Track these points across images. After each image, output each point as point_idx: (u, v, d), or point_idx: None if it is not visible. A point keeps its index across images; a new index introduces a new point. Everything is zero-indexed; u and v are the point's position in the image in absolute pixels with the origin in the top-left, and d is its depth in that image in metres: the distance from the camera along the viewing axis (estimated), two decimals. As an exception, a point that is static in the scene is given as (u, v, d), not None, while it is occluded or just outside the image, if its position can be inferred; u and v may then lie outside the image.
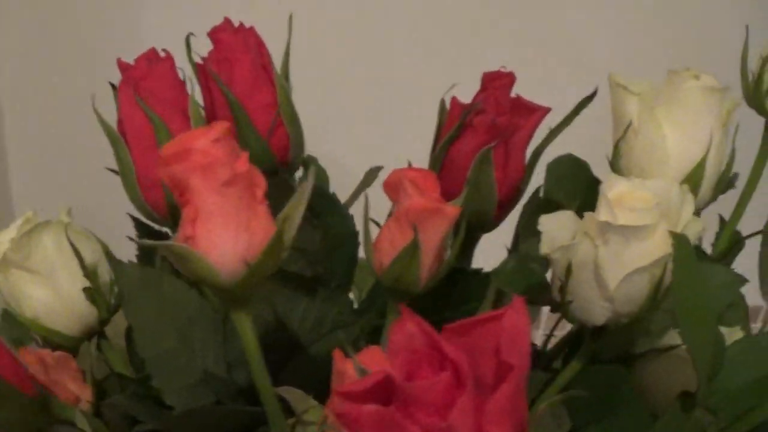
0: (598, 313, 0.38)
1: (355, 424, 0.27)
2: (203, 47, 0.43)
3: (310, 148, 0.61)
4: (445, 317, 0.47)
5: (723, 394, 0.39)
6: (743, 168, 0.49)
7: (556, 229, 0.38)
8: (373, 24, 0.74)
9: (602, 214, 0.37)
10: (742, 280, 0.43)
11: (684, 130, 0.39)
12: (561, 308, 0.39)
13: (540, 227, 0.37)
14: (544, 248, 0.37)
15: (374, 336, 0.46)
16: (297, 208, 0.32)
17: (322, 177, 0.56)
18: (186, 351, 0.40)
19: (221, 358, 0.41)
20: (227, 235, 0.30)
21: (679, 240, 0.34)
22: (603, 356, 0.43)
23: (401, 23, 0.74)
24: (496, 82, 0.38)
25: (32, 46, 0.73)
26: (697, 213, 0.42)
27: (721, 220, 0.49)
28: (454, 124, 0.38)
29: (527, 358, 0.28)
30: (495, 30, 0.75)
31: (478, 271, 0.43)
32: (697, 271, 0.35)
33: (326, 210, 0.46)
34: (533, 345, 0.45)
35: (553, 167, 0.50)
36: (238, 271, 0.30)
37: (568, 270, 0.37)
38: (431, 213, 0.35)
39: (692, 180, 0.39)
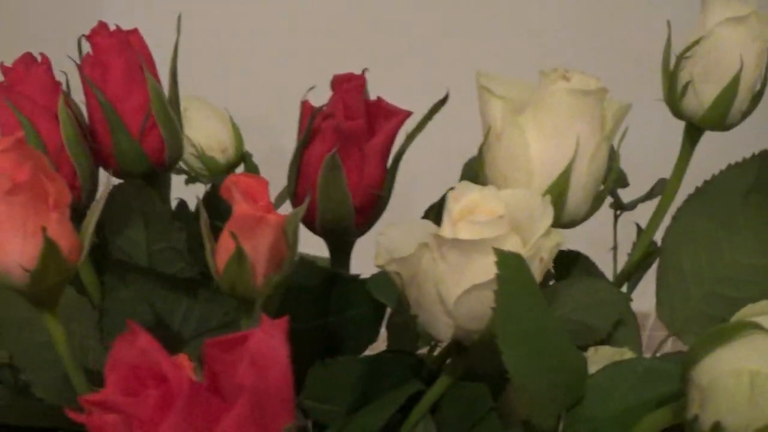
0: (443, 329, 0.36)
1: (98, 431, 0.27)
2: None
3: (266, 143, 0.61)
4: (329, 322, 0.46)
5: (588, 423, 0.37)
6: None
7: (399, 239, 0.36)
8: (338, 23, 0.73)
9: (442, 226, 0.35)
10: (627, 298, 0.40)
11: (550, 136, 0.36)
12: (409, 322, 0.37)
13: (379, 237, 0.36)
14: (378, 260, 0.35)
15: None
16: (92, 215, 0.32)
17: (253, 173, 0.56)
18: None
19: (100, 353, 0.42)
20: (15, 242, 0.30)
21: (503, 257, 0.32)
22: (479, 371, 0.41)
23: (367, 23, 0.73)
24: (346, 85, 0.37)
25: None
26: (571, 226, 0.39)
27: (639, 229, 0.46)
28: (305, 129, 0.37)
29: (275, 380, 0.27)
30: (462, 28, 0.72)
31: (354, 278, 0.42)
32: (528, 292, 0.33)
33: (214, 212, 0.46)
34: (415, 355, 0.43)
35: (468, 168, 0.48)
36: (24, 277, 0.30)
37: (403, 284, 0.35)
38: (255, 221, 0.34)
39: (556, 191, 0.37)
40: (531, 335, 0.33)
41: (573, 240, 0.47)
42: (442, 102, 0.38)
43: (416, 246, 0.35)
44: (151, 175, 0.42)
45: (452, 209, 0.36)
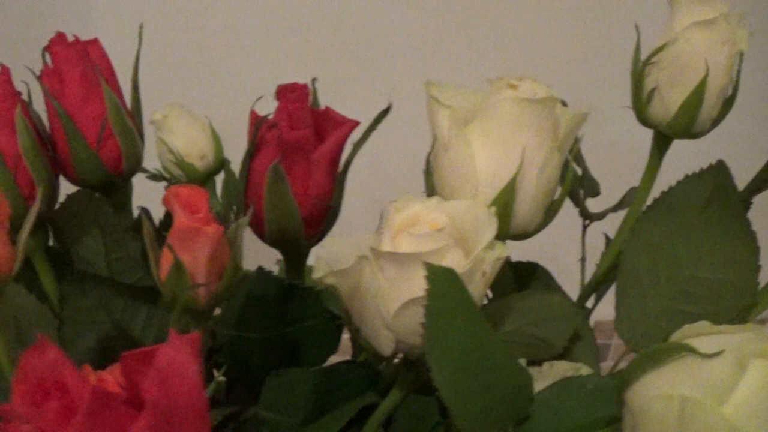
0: (384, 342, 0.35)
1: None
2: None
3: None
4: (287, 333, 0.46)
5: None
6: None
7: (340, 251, 0.36)
8: (319, 31, 0.73)
9: (382, 239, 0.35)
10: (581, 313, 0.39)
11: (496, 147, 0.36)
12: (353, 335, 0.37)
13: (319, 250, 0.35)
14: (316, 273, 0.35)
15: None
16: (26, 225, 0.32)
17: (233, 182, 0.56)
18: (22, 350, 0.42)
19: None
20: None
21: (433, 272, 0.32)
22: (431, 384, 0.40)
23: (352, 31, 0.73)
24: (289, 95, 0.37)
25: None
26: (523, 237, 0.38)
27: (607, 239, 0.44)
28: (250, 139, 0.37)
29: (183, 395, 0.27)
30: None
31: (310, 289, 0.41)
32: (460, 308, 0.32)
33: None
34: (371, 367, 0.43)
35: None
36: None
37: (342, 297, 0.35)
38: (193, 233, 0.34)
39: (501, 202, 0.36)
40: (463, 352, 0.32)
41: (542, 250, 0.46)
42: (386, 112, 0.38)
43: (355, 258, 0.35)
44: (110, 184, 0.42)
45: (393, 221, 0.35)
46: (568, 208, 0.48)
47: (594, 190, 0.46)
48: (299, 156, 0.37)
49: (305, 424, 0.42)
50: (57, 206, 0.42)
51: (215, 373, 0.47)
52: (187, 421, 0.27)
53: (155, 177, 0.57)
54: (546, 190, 0.37)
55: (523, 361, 0.39)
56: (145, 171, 0.53)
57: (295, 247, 0.40)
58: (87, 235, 0.42)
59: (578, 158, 0.47)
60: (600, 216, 0.46)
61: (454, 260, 0.34)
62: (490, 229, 0.34)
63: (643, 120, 0.42)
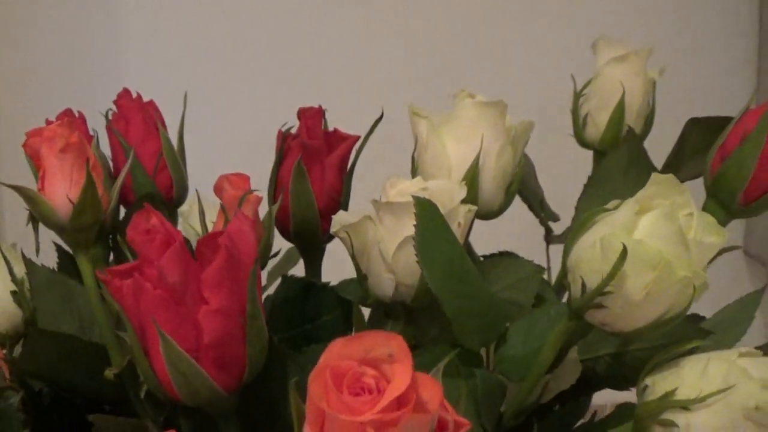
0: (386, 284, 0.52)
1: (118, 293, 0.44)
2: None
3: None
4: (306, 330, 0.62)
5: (511, 360, 0.52)
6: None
7: (349, 216, 0.54)
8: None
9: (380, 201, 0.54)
10: (541, 270, 0.56)
11: (461, 140, 0.55)
12: (361, 286, 0.54)
13: (334, 216, 0.54)
14: (333, 228, 0.53)
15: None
16: (118, 180, 0.51)
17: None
18: (85, 336, 0.58)
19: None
20: (62, 186, 0.49)
21: (419, 201, 0.50)
22: (426, 340, 0.56)
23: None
24: (307, 113, 0.57)
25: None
26: (491, 216, 0.57)
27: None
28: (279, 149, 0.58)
29: (245, 250, 0.44)
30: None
31: (325, 285, 0.59)
32: (441, 228, 0.50)
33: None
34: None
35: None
36: (68, 210, 0.49)
37: (353, 250, 0.53)
38: (238, 199, 0.53)
39: (469, 178, 0.55)
40: (447, 262, 0.49)
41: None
42: (378, 120, 0.58)
43: (361, 216, 0.53)
44: (162, 209, 0.61)
45: (389, 192, 0.54)
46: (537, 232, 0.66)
47: (553, 217, 0.66)
48: (316, 160, 0.57)
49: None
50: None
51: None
52: (245, 271, 0.44)
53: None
54: (503, 173, 0.56)
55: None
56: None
57: (313, 240, 0.58)
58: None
59: (536, 190, 0.67)
60: (561, 238, 0.64)
61: (435, 212, 0.53)
62: (461, 194, 0.53)
63: (582, 142, 0.62)
